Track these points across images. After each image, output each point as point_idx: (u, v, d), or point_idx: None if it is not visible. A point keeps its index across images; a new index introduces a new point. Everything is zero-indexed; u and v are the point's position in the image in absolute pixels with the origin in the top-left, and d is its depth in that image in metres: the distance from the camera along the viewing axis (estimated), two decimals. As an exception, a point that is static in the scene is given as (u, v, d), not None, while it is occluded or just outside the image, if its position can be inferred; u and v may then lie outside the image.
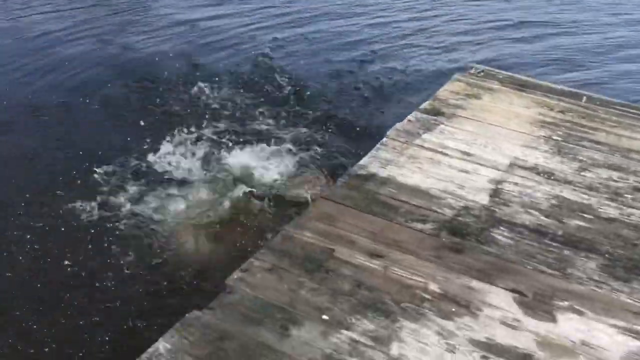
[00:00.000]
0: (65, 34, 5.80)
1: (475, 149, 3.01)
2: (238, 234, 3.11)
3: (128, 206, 3.37)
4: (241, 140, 4.05)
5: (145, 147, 3.88)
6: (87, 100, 4.61)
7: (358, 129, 4.38)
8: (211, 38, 5.94)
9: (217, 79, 4.89)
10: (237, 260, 2.20)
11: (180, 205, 3.40)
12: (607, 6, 8.05)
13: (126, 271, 2.92)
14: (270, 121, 4.38)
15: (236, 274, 1.99)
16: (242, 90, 4.82)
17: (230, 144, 3.95)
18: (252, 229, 3.15)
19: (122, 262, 2.98)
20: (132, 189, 3.53)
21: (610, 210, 2.61)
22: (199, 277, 2.86)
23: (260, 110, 4.50)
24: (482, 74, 4.02)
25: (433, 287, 2.05)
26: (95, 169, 3.64)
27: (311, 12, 6.94)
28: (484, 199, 2.59)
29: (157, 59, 5.30)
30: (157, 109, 4.47)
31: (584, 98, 3.82)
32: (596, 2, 8.18)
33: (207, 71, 5.14)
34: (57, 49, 5.45)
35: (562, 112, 3.57)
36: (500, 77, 4.01)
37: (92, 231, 3.20)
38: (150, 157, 3.78)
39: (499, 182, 2.73)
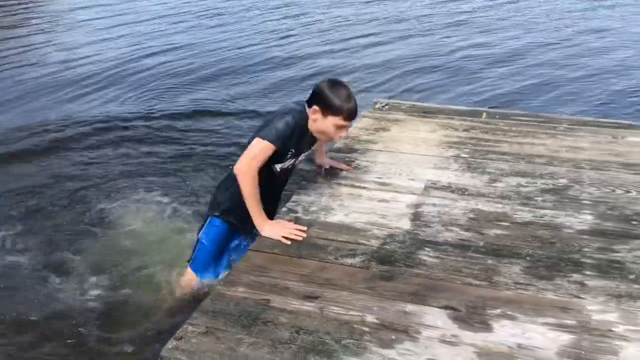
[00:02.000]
0: None
1: (391, 178, 3.10)
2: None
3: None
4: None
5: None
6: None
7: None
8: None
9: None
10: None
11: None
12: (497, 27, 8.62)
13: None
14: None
15: (170, 344, 1.94)
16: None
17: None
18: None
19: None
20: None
21: (524, 215, 2.74)
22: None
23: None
24: (387, 107, 4.18)
25: (370, 318, 2.07)
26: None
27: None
28: (406, 224, 2.67)
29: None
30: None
31: (484, 114, 4.05)
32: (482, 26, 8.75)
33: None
34: None
35: (466, 130, 3.76)
36: (404, 107, 4.19)
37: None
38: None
39: (417, 205, 2.82)
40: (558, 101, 5.69)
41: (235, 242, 2.99)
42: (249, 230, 2.82)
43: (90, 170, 4.60)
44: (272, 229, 2.61)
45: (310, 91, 2.75)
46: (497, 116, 4.01)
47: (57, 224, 3.86)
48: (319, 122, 2.70)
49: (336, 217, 2.74)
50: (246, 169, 2.60)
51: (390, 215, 2.74)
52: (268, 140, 2.64)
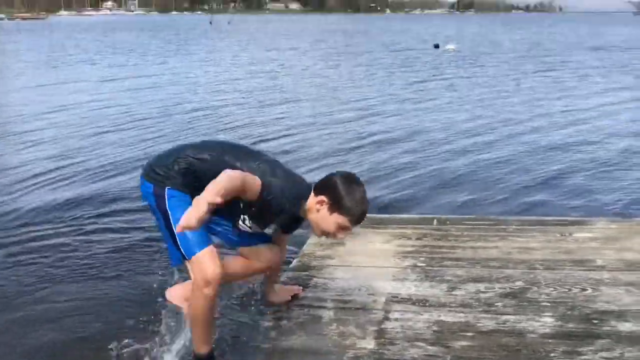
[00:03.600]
0: None
1: (351, 295, 3.05)
2: None
3: None
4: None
5: None
6: None
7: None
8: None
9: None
10: None
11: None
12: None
13: None
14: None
15: None
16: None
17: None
18: None
19: None
20: None
21: (487, 322, 2.72)
22: None
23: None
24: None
25: None
26: None
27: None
28: (370, 343, 2.59)
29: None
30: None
31: (435, 221, 4.12)
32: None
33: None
34: None
35: (419, 238, 3.80)
36: (357, 219, 4.22)
37: None
38: None
39: (380, 322, 2.77)
40: (504, 201, 5.86)
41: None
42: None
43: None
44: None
45: (322, 178, 2.51)
46: (447, 222, 4.08)
47: None
48: (321, 215, 2.43)
49: (298, 342, 2.64)
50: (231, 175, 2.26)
51: (353, 336, 2.66)
52: (261, 190, 2.34)
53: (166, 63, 21.66)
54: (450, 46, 27.79)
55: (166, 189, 2.42)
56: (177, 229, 2.23)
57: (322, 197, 2.42)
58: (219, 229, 2.69)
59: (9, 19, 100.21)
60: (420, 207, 5.63)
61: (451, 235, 3.83)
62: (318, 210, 2.43)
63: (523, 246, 3.60)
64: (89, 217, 5.39)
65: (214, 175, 2.22)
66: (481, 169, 7.06)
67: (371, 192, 6.21)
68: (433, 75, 17.33)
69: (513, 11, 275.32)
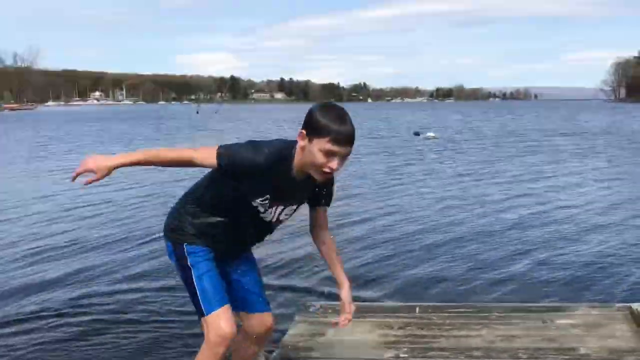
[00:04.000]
0: None
1: (332, 389, 2.98)
2: None
3: None
4: None
5: None
6: None
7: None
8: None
9: None
10: None
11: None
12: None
13: None
14: None
15: None
16: None
17: None
18: None
19: None
20: None
21: (471, 416, 2.66)
22: None
23: None
24: (320, 310, 4.16)
25: None
26: None
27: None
28: None
29: None
30: None
31: (417, 308, 4.09)
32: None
33: None
34: None
35: (401, 328, 3.75)
36: (338, 308, 4.17)
37: None
38: None
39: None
40: (484, 285, 5.86)
41: (229, 268, 2.57)
42: (234, 256, 2.56)
43: None
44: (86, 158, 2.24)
45: None
46: (429, 309, 4.05)
47: None
48: (306, 151, 2.22)
49: None
50: (184, 150, 2.30)
51: None
52: (217, 155, 2.23)
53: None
54: (431, 134, 28.51)
55: (184, 246, 2.42)
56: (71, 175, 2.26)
57: (301, 131, 2.24)
58: (235, 276, 2.60)
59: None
60: (402, 293, 5.60)
61: (434, 324, 3.79)
62: (302, 149, 2.24)
63: (506, 334, 3.57)
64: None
65: (218, 198, 2.37)
66: (461, 251, 7.10)
67: (349, 271, 6.25)
68: (414, 161, 17.69)
69: (490, 99, 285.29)
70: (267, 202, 2.35)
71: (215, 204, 2.40)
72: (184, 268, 2.42)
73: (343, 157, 2.23)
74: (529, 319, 3.80)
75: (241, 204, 2.35)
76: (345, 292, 2.61)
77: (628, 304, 3.94)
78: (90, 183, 2.23)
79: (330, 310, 4.16)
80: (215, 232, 2.42)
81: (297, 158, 2.26)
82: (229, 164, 2.22)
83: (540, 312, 3.94)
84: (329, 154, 2.18)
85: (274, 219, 2.45)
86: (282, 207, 2.43)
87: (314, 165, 2.22)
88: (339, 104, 2.40)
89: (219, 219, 2.41)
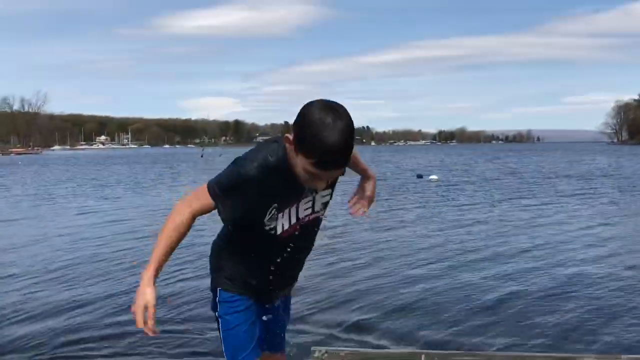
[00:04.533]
0: None
1: None
2: None
3: None
4: None
5: None
6: None
7: None
8: None
9: None
10: None
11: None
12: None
13: None
14: None
15: None
16: None
17: None
18: None
19: None
20: None
21: None
22: None
23: None
24: (325, 355, 4.13)
25: None
26: None
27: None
28: None
29: None
30: None
31: (423, 356, 4.05)
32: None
33: None
34: None
35: (407, 375, 3.72)
36: (343, 354, 4.15)
37: None
38: None
39: None
40: (493, 333, 5.79)
41: (267, 315, 2.30)
42: (273, 296, 2.26)
43: None
44: (137, 295, 1.99)
45: None
46: (435, 358, 4.02)
47: None
48: (292, 156, 1.88)
49: None
50: (177, 206, 2.03)
51: None
52: (209, 193, 1.98)
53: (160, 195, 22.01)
54: (434, 177, 28.62)
55: (218, 291, 2.22)
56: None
57: (287, 136, 1.88)
58: (270, 316, 2.33)
59: (3, 154, 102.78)
60: (407, 340, 5.54)
61: (439, 370, 3.75)
62: (290, 152, 1.89)
63: (512, 382, 3.53)
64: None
65: (240, 232, 2.13)
66: (466, 296, 7.04)
67: (349, 317, 6.21)
68: (417, 204, 17.71)
69: (493, 142, 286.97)
70: (274, 211, 2.03)
71: (240, 237, 2.16)
72: (215, 314, 2.27)
73: (332, 178, 1.96)
74: (535, 365, 3.76)
75: (258, 230, 2.07)
76: (370, 183, 2.32)
77: (637, 355, 3.90)
78: (153, 314, 1.99)
79: (334, 357, 4.14)
80: (249, 268, 2.17)
81: (291, 159, 1.90)
82: (220, 193, 1.96)
83: None
84: (311, 174, 1.84)
85: (293, 226, 2.08)
86: (296, 207, 2.06)
87: (301, 177, 1.89)
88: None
89: (249, 253, 2.16)
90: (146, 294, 1.97)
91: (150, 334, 1.98)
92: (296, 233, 2.10)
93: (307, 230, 2.14)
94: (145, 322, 1.96)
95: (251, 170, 1.90)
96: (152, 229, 12.68)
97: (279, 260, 2.14)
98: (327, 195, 2.13)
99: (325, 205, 2.14)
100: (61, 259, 9.69)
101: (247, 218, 2.05)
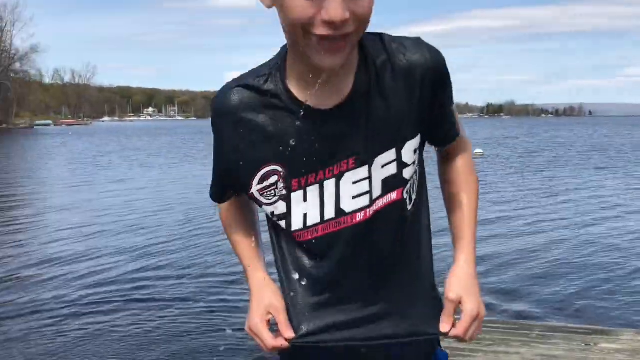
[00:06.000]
0: None
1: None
2: None
3: None
4: None
5: None
6: None
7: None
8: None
9: None
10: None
11: None
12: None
13: None
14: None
15: None
16: None
17: None
18: None
19: None
20: None
21: None
22: None
23: None
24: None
25: None
26: None
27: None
28: None
29: None
30: None
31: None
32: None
33: None
34: None
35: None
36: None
37: None
38: None
39: None
40: (528, 301, 5.75)
41: None
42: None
43: None
44: (249, 316, 1.27)
45: None
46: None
47: None
48: (281, 20, 1.05)
49: None
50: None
51: None
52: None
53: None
54: (478, 150, 28.14)
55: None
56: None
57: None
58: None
59: (54, 124, 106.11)
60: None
61: (472, 341, 3.76)
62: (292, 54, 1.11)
63: (546, 354, 3.51)
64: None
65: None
66: (504, 266, 6.98)
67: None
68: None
69: (542, 115, 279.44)
70: (280, 183, 1.17)
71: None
72: None
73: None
74: (571, 340, 3.72)
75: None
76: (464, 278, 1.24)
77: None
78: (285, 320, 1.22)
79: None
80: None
81: (290, 62, 1.14)
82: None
83: (584, 334, 3.85)
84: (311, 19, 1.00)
85: (332, 223, 1.16)
86: (334, 184, 1.15)
87: (293, 23, 1.02)
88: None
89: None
90: (264, 299, 1.25)
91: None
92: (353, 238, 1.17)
93: (382, 233, 1.19)
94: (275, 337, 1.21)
95: (226, 94, 1.17)
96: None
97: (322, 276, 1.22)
98: (391, 161, 1.16)
99: (399, 181, 1.17)
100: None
101: (228, 178, 1.25)
